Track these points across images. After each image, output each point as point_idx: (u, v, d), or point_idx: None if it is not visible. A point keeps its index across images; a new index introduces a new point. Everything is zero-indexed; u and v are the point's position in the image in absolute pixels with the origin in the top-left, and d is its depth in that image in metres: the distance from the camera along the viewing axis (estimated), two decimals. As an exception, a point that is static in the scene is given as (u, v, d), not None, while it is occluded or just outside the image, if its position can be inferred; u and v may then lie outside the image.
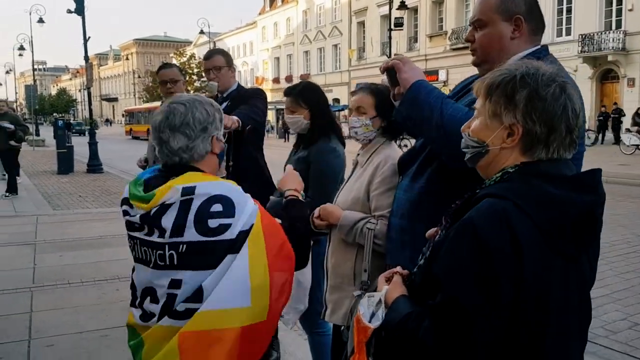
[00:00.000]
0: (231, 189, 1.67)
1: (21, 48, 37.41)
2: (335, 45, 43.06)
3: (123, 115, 57.29)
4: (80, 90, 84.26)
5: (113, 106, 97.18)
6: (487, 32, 1.83)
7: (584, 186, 1.22)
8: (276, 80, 50.31)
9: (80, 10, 18.15)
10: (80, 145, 20.29)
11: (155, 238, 1.62)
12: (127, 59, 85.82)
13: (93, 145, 16.51)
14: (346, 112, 35.02)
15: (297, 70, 48.07)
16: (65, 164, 15.53)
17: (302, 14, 46.93)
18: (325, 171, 2.80)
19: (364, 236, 2.26)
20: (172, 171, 1.70)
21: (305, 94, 2.90)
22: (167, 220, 1.59)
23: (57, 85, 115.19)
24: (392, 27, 27.50)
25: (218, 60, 3.62)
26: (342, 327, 2.31)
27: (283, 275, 1.68)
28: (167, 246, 1.60)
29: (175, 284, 1.60)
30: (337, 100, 40.10)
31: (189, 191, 1.60)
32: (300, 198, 2.08)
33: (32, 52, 39.80)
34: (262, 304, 1.62)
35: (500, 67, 1.31)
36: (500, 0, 1.80)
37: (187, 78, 45.16)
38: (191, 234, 1.58)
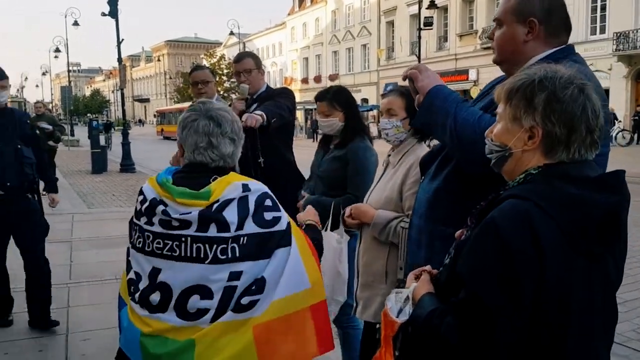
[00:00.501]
0: (264, 186, 1.80)
1: (57, 50, 38.36)
2: (364, 45, 42.99)
3: (154, 115, 58.25)
4: (113, 91, 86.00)
5: (145, 107, 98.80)
6: (503, 33, 1.85)
7: (607, 187, 1.23)
8: (305, 81, 50.48)
9: (113, 13, 18.54)
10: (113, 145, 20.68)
11: (214, 233, 1.66)
12: (158, 60, 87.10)
13: (126, 145, 16.86)
14: (375, 112, 34.93)
15: (325, 70, 48.14)
16: (99, 163, 15.91)
17: (331, 14, 46.97)
18: (365, 168, 2.91)
19: (398, 235, 2.32)
20: (202, 172, 1.76)
21: (339, 97, 3.03)
22: (231, 215, 1.67)
23: (90, 86, 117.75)
24: (422, 26, 27.34)
25: (248, 63, 3.71)
26: (378, 325, 2.36)
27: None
28: (230, 239, 1.66)
29: (235, 276, 1.65)
30: (365, 101, 40.03)
31: (246, 188, 1.72)
32: (318, 228, 2.20)
33: (67, 54, 40.78)
34: (319, 284, 1.78)
35: (520, 72, 1.34)
36: (517, 2, 1.81)
37: (217, 79, 45.69)
38: (251, 227, 1.68)
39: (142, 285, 1.75)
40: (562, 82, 1.26)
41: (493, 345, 1.17)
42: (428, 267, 1.51)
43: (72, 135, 30.65)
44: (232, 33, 41.84)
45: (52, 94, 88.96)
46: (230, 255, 1.66)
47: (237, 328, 1.64)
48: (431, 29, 29.95)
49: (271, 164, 3.54)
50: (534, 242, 1.16)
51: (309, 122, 38.55)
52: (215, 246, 1.66)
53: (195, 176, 1.76)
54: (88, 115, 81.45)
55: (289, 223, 1.77)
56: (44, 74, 61.94)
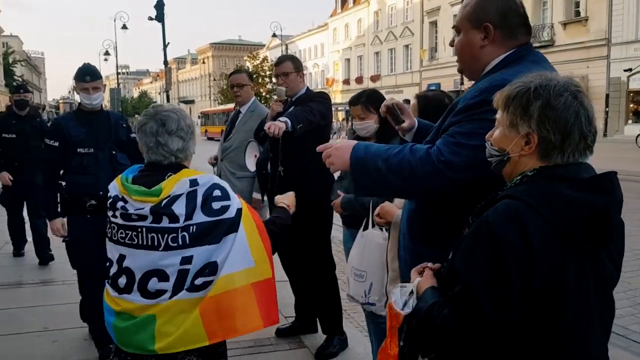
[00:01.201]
0: (217, 178, 2.02)
1: (106, 53, 39.64)
2: (407, 46, 42.75)
3: (199, 116, 59.34)
4: (160, 93, 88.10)
5: (190, 108, 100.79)
6: (460, 40, 1.87)
7: (598, 187, 1.30)
8: (346, 82, 50.54)
9: (160, 17, 19.07)
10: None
11: (166, 224, 1.87)
12: (203, 62, 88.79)
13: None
14: (416, 113, 34.62)
15: (367, 71, 48.09)
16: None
17: (374, 14, 46.90)
18: None
19: None
20: (161, 169, 1.98)
21: (373, 100, 3.12)
22: (179, 208, 1.87)
23: (138, 88, 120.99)
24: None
25: (286, 66, 3.79)
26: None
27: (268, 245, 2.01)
28: (180, 229, 1.87)
29: (187, 260, 1.86)
30: (407, 102, 39.74)
31: (194, 183, 1.91)
32: (290, 211, 2.39)
33: (116, 56, 42.10)
34: (264, 263, 1.95)
35: (517, 80, 1.41)
36: (472, 8, 1.83)
37: (260, 80, 46.22)
38: (199, 217, 1.87)
39: (113, 270, 1.99)
40: (557, 90, 1.32)
41: (486, 336, 1.25)
42: (430, 264, 1.59)
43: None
44: (274, 35, 42.29)
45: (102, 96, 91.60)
46: (180, 243, 1.86)
47: (192, 305, 1.86)
48: (474, 29, 29.53)
49: (290, 173, 3.64)
50: (524, 238, 1.24)
51: (349, 123, 38.57)
52: (166, 235, 1.87)
53: (152, 174, 1.98)
54: (136, 116, 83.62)
55: (239, 209, 1.93)
56: (94, 76, 63.81)
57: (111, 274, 2.00)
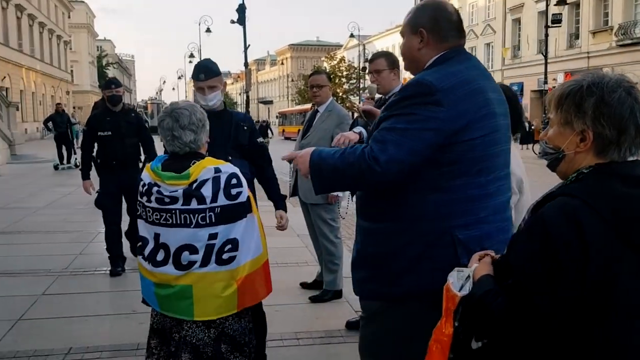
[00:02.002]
0: (234, 167, 2.38)
1: (191, 55, 41.29)
2: (488, 44, 41.60)
3: (277, 117, 60.56)
4: (240, 94, 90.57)
5: (268, 108, 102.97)
6: (403, 43, 2.16)
7: None
8: (425, 82, 49.81)
9: (242, 20, 19.70)
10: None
11: (195, 205, 2.25)
12: (282, 63, 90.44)
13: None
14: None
15: (446, 71, 47.20)
16: (225, 161, 16.95)
17: (454, 13, 45.96)
18: None
19: None
20: (183, 157, 2.33)
21: None
22: (207, 191, 2.25)
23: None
24: (550, 23, 25.96)
25: (379, 63, 3.80)
26: None
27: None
28: (207, 210, 2.26)
29: (213, 236, 2.27)
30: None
31: (217, 170, 2.29)
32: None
33: (201, 58, 43.65)
34: (265, 248, 2.46)
35: (569, 80, 1.46)
36: (410, 16, 2.12)
37: (337, 81, 46.51)
38: (222, 200, 2.28)
39: (149, 247, 2.35)
40: (610, 86, 1.35)
41: (535, 327, 1.31)
42: (491, 252, 1.65)
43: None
44: (352, 35, 42.42)
45: (186, 96, 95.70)
46: (208, 221, 2.26)
47: (224, 278, 2.30)
48: (560, 26, 28.31)
49: None
50: (579, 235, 1.27)
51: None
52: (197, 215, 2.26)
53: (176, 162, 2.33)
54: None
55: (248, 197, 2.36)
56: (179, 77, 66.76)
57: (147, 251, 2.35)
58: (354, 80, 48.92)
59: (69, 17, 54.85)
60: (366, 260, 2.08)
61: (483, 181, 1.94)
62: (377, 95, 3.81)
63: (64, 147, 16.63)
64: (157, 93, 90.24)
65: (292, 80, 73.08)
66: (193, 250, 2.26)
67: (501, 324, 1.36)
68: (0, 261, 6.09)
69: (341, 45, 71.57)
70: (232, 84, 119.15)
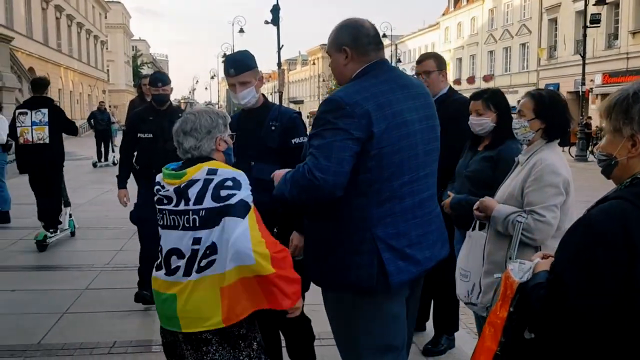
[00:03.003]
0: (242, 174, 2.23)
1: (224, 56, 41.71)
2: (523, 44, 40.95)
3: (307, 116, 60.77)
4: (271, 93, 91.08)
5: (299, 108, 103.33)
6: (331, 61, 2.38)
7: None
8: (457, 82, 49.37)
9: (275, 21, 19.84)
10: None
11: (182, 207, 2.16)
12: (313, 63, 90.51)
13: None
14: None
15: (480, 71, 46.66)
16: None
17: (488, 12, 45.40)
18: None
19: (514, 228, 2.51)
20: (190, 162, 2.24)
21: (496, 99, 3.17)
22: (193, 191, 2.15)
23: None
24: (588, 23, 25.40)
25: (428, 65, 3.74)
26: (488, 307, 2.54)
27: (276, 246, 2.19)
28: (191, 212, 2.15)
29: (197, 241, 2.14)
30: (522, 102, 38.12)
31: (212, 172, 2.17)
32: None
33: (233, 58, 44.08)
34: (264, 260, 2.09)
35: (617, 90, 1.52)
36: (334, 36, 2.34)
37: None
38: (208, 202, 2.13)
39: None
40: None
41: (567, 321, 1.36)
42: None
43: (235, 134, 32.89)
44: (384, 35, 42.28)
45: (218, 96, 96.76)
46: (192, 224, 2.15)
47: (205, 287, 2.12)
48: (598, 26, 27.67)
49: None
50: (626, 237, 1.31)
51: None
52: (184, 216, 2.17)
53: (185, 165, 2.25)
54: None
55: (241, 200, 2.14)
56: (212, 77, 67.53)
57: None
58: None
59: (106, 17, 56.06)
60: (309, 253, 2.40)
61: (395, 185, 2.19)
62: None
63: (102, 145, 17.04)
64: (190, 92, 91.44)
65: (324, 80, 73.15)
66: (180, 254, 2.18)
67: (538, 316, 1.42)
68: (45, 256, 6.30)
69: (373, 45, 71.25)
70: (264, 83, 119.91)
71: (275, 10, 19.85)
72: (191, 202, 2.14)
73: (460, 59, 50.23)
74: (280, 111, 3.05)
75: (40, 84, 6.89)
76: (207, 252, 2.12)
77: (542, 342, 1.48)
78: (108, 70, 57.68)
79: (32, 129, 6.40)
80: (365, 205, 2.17)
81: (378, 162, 2.13)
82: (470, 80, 47.25)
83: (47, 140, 6.38)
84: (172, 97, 5.02)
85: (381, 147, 2.12)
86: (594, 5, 25.11)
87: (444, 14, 54.24)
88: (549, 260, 1.61)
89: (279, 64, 21.10)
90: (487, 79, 44.57)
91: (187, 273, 2.14)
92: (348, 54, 2.28)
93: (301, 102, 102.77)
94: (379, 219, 2.18)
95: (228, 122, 2.39)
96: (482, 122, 3.13)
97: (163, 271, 2.21)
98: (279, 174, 2.29)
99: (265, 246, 2.13)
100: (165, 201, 2.21)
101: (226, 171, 2.20)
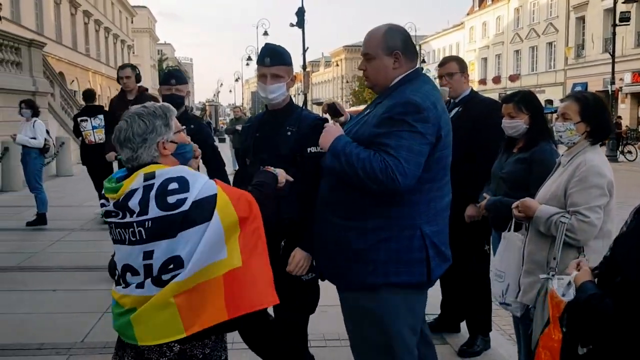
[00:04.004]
0: (184, 169, 1.95)
1: (248, 59, 42.03)
2: (550, 43, 40.41)
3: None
4: (294, 95, 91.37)
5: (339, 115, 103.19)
6: (375, 64, 2.36)
7: None
8: (482, 82, 48.92)
9: (300, 23, 19.94)
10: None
11: (127, 219, 1.90)
12: (337, 65, 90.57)
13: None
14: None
15: (505, 70, 46.16)
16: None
17: (514, 11, 44.91)
18: (550, 171, 3.00)
19: (557, 228, 2.53)
20: (134, 171, 1.97)
21: (527, 100, 3.18)
22: (134, 202, 1.88)
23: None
24: (617, 22, 24.97)
25: (451, 67, 3.79)
26: (530, 307, 2.62)
27: (251, 224, 1.95)
28: (135, 224, 1.89)
29: (148, 255, 1.88)
30: (549, 102, 37.60)
31: (149, 176, 1.90)
32: (271, 172, 2.33)
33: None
34: (236, 253, 1.91)
35: None
36: (383, 39, 2.34)
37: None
38: (154, 211, 1.85)
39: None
40: None
41: None
42: (583, 259, 1.67)
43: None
44: (409, 36, 42.05)
45: (242, 99, 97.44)
46: (138, 237, 1.89)
47: (159, 298, 1.86)
48: (628, 24, 27.16)
49: None
50: None
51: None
52: (128, 230, 1.91)
53: (129, 175, 1.98)
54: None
55: (195, 201, 1.86)
56: (236, 80, 67.99)
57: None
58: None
59: (132, 22, 56.87)
60: (343, 254, 2.32)
61: (440, 185, 2.32)
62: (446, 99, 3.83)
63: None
64: (214, 95, 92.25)
65: (347, 82, 73.11)
66: (133, 271, 1.93)
67: (609, 323, 1.40)
68: (84, 257, 6.46)
69: (396, 46, 71.05)
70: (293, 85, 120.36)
71: (301, 12, 19.95)
72: (135, 214, 1.89)
73: (485, 59, 49.75)
74: (301, 116, 2.79)
75: (91, 95, 8.86)
76: (170, 266, 1.87)
77: (598, 354, 1.47)
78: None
79: (93, 132, 8.21)
80: (417, 202, 2.25)
81: (436, 163, 2.26)
82: (496, 80, 46.77)
83: (104, 140, 7.65)
84: (196, 100, 4.44)
85: (442, 150, 2.27)
86: (623, 3, 24.68)
87: (468, 14, 53.80)
88: (586, 270, 1.62)
89: (304, 66, 21.18)
90: (513, 78, 44.07)
91: (140, 286, 1.91)
92: (399, 59, 2.34)
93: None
94: (427, 216, 2.28)
95: (172, 117, 2.05)
96: (514, 124, 3.14)
97: (121, 286, 1.99)
98: (334, 130, 2.33)
99: (238, 245, 1.93)
100: (113, 213, 1.96)
101: (167, 171, 1.92)
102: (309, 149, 2.68)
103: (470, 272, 3.79)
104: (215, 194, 1.90)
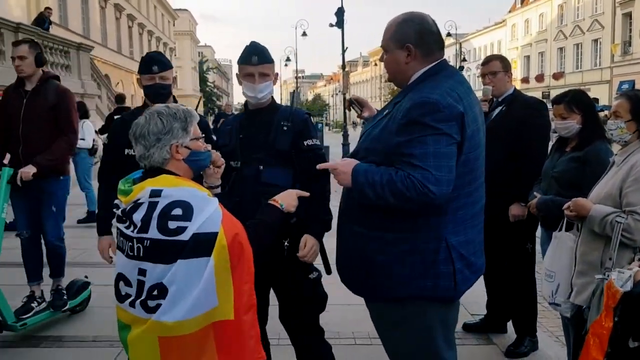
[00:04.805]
0: (194, 194, 1.86)
1: (287, 59, 42.30)
2: (595, 40, 39.33)
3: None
4: (332, 96, 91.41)
5: (360, 110, 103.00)
6: (388, 58, 2.23)
7: None
8: (525, 80, 47.97)
9: (340, 23, 19.94)
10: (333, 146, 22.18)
11: (129, 232, 1.87)
12: (375, 64, 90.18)
13: (345, 146, 18.12)
14: (606, 112, 31.76)
15: (549, 68, 45.15)
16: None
17: (557, 8, 43.89)
18: (604, 170, 2.97)
19: (613, 228, 2.49)
20: (148, 174, 1.94)
21: (577, 100, 3.14)
22: (137, 217, 1.83)
23: (312, 91, 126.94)
24: (668, 16, 24.11)
25: (494, 66, 3.78)
26: (584, 307, 2.56)
27: (241, 270, 1.87)
28: (135, 239, 1.84)
29: (142, 272, 1.84)
30: (595, 100, 36.57)
31: (155, 193, 1.84)
32: (277, 206, 2.17)
33: (296, 62, 44.75)
34: (227, 302, 1.83)
35: None
36: (394, 31, 2.18)
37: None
38: (154, 232, 1.81)
39: None
40: None
41: None
42: None
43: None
44: (449, 34, 41.63)
45: (280, 99, 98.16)
46: (136, 253, 1.84)
47: (148, 330, 1.80)
48: (680, 18, 26.20)
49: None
50: None
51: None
52: (128, 242, 1.87)
53: (144, 177, 1.95)
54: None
55: (195, 235, 1.78)
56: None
57: None
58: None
59: (174, 24, 58.03)
60: (366, 266, 2.17)
61: (468, 191, 2.11)
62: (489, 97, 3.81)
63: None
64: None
65: (385, 81, 72.76)
66: (127, 282, 1.89)
67: None
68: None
69: (436, 45, 70.43)
70: (325, 85, 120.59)
71: (340, 12, 19.96)
72: (136, 230, 1.84)
73: (528, 57, 48.79)
74: (292, 111, 2.82)
75: (122, 98, 10.27)
76: (154, 292, 1.81)
77: None
78: (176, 76, 59.64)
79: None
80: (444, 211, 2.07)
81: (463, 167, 2.05)
82: (539, 78, 45.81)
83: None
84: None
85: (469, 152, 2.06)
86: (674, -3, 23.82)
87: (510, 11, 52.86)
88: None
89: (343, 66, 21.18)
90: (556, 76, 43.08)
91: (132, 305, 1.86)
92: (412, 52, 2.15)
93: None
94: (453, 226, 2.09)
95: (192, 123, 1.99)
96: (567, 125, 3.12)
97: (116, 299, 1.94)
98: (348, 165, 2.12)
99: (231, 287, 1.84)
100: (123, 219, 1.91)
101: (174, 192, 1.85)
102: (305, 143, 2.72)
103: (515, 272, 3.76)
104: (216, 233, 1.81)
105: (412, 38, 2.14)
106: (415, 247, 2.08)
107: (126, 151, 2.90)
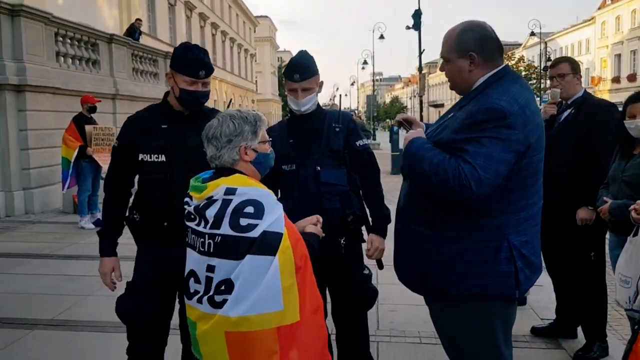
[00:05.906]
0: (265, 194, 1.96)
1: (364, 62, 42.43)
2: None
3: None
4: (410, 98, 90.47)
5: (439, 112, 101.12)
6: (450, 67, 2.27)
7: None
8: (616, 80, 45.41)
9: (417, 26, 19.86)
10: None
11: (201, 228, 1.94)
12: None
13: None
14: None
15: (642, 67, 42.50)
16: (398, 165, 17.29)
17: (652, 3, 41.27)
18: None
19: None
20: (219, 174, 2.02)
21: None
22: (210, 213, 1.91)
23: (390, 93, 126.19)
24: None
25: (562, 68, 3.74)
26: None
27: (304, 273, 1.94)
28: (207, 235, 1.91)
29: (211, 268, 1.90)
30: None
31: (230, 191, 1.92)
32: (318, 234, 2.23)
33: (373, 65, 44.78)
34: (293, 307, 1.87)
35: None
36: (455, 41, 2.23)
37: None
38: (226, 229, 1.88)
39: None
40: None
41: None
42: None
43: (374, 139, 33.44)
44: (532, 34, 40.18)
45: (357, 102, 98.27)
46: (206, 249, 1.91)
47: (215, 325, 1.85)
48: None
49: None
50: None
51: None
52: (200, 239, 1.94)
53: (215, 177, 2.02)
54: (387, 120, 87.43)
55: (264, 233, 1.86)
56: (352, 84, 68.84)
57: None
58: (534, 81, 46.27)
59: (255, 31, 59.65)
60: (425, 264, 2.22)
61: (530, 192, 2.16)
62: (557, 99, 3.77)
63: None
64: (330, 99, 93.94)
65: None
66: (196, 279, 1.96)
67: None
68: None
69: (520, 44, 68.05)
70: (403, 88, 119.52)
71: (417, 15, 19.88)
72: (208, 225, 1.92)
73: (619, 55, 46.15)
74: (341, 114, 2.98)
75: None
76: (222, 287, 1.87)
77: None
78: (256, 81, 61.31)
79: None
80: (505, 211, 2.10)
81: (527, 170, 2.10)
82: (631, 77, 43.21)
83: None
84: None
85: (533, 155, 2.10)
86: None
87: (599, 8, 50.19)
88: None
89: (420, 69, 21.04)
90: (650, 75, 40.48)
91: (199, 301, 1.93)
92: (475, 60, 2.19)
93: (441, 105, 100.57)
94: (515, 226, 2.12)
95: (261, 127, 2.10)
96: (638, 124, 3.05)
97: (186, 296, 2.01)
98: (412, 134, 2.25)
99: (297, 291, 1.89)
100: (192, 216, 2.00)
101: (248, 190, 1.94)
102: (357, 143, 2.90)
103: (585, 277, 3.70)
104: (282, 234, 1.90)
105: (474, 46, 2.19)
106: (476, 246, 2.11)
107: (140, 156, 2.60)
